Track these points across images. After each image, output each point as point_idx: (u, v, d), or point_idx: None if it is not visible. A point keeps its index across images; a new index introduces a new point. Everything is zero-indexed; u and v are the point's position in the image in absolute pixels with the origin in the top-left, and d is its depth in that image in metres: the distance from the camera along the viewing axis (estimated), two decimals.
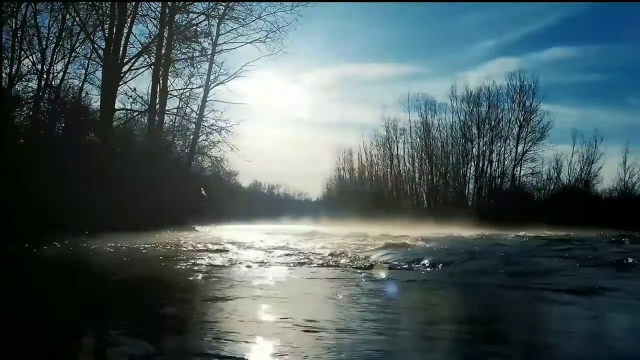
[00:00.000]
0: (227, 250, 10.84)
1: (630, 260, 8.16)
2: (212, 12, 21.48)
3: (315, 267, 7.76)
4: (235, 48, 22.43)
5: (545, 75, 65.62)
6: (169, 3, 20.67)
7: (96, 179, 14.50)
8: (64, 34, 18.11)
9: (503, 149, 44.41)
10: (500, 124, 44.53)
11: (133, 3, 19.57)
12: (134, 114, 21.48)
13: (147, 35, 21.00)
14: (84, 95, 19.39)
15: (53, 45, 17.74)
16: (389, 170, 50.53)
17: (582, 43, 65.34)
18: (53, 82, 17.79)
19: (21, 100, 16.74)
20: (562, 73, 65.27)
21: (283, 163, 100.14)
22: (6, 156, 13.04)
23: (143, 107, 20.98)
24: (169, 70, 21.39)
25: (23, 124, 16.49)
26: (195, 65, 22.15)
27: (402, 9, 67.91)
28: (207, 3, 21.60)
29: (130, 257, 9.35)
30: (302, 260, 8.54)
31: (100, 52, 19.07)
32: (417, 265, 7.84)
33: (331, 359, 3.02)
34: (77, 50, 18.78)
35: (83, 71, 19.33)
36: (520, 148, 43.66)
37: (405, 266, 7.89)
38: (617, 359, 3.21)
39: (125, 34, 19.13)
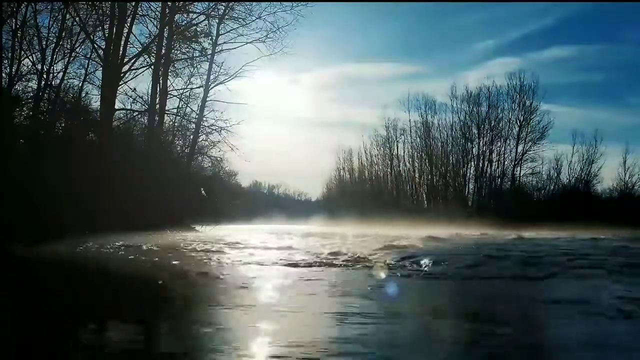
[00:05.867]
0: (226, 251, 10.83)
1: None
2: (212, 12, 21.47)
3: (315, 267, 7.75)
4: (235, 48, 22.41)
5: (545, 75, 65.83)
6: (169, 3, 20.66)
7: (96, 179, 14.50)
8: (64, 34, 18.12)
9: (503, 149, 44.49)
10: (500, 124, 44.62)
11: (133, 3, 19.56)
12: (134, 114, 21.50)
13: (147, 35, 21.01)
14: (84, 95, 19.43)
15: (53, 45, 17.78)
16: (389, 170, 50.58)
17: (582, 43, 65.58)
18: (53, 82, 17.82)
19: (21, 100, 16.73)
20: (562, 73, 65.54)
21: (283, 163, 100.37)
22: (6, 156, 13.03)
23: (143, 107, 20.99)
24: (169, 70, 21.37)
25: (23, 124, 16.48)
26: (195, 65, 22.16)
27: (402, 8, 67.96)
28: (207, 3, 21.61)
29: (129, 257, 9.34)
30: (301, 261, 8.53)
31: (100, 52, 19.06)
32: (416, 266, 7.84)
33: None
34: (77, 50, 18.81)
35: (83, 71, 19.37)
36: (520, 148, 43.75)
37: (404, 267, 7.88)
38: None
39: (125, 34, 19.12)
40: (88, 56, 19.18)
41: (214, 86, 22.33)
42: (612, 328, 3.94)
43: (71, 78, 18.94)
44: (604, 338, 3.64)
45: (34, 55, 17.41)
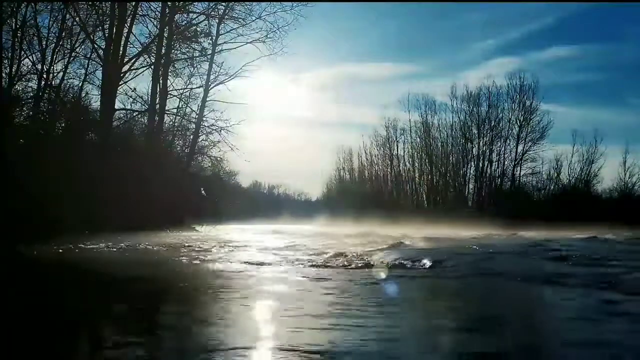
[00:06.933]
0: (225, 251, 10.84)
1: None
2: (212, 12, 21.47)
3: (315, 267, 7.76)
4: (235, 48, 22.40)
5: (545, 75, 65.72)
6: (169, 3, 20.67)
7: (96, 179, 14.51)
8: (64, 34, 18.12)
9: (503, 149, 44.46)
10: (500, 124, 44.57)
11: (133, 3, 19.56)
12: (134, 114, 21.50)
13: (147, 35, 21.01)
14: (84, 95, 19.42)
15: (53, 45, 17.78)
16: (389, 170, 50.56)
17: (582, 43, 65.54)
18: (53, 82, 17.82)
19: (21, 100, 16.73)
20: (562, 73, 65.39)
21: (283, 163, 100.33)
22: (6, 156, 13.04)
23: (143, 107, 21.00)
24: (169, 70, 21.37)
25: (23, 124, 16.48)
26: (195, 65, 22.15)
27: (402, 8, 67.92)
28: (207, 3, 21.61)
29: (129, 258, 9.35)
30: (301, 261, 8.54)
31: (100, 52, 19.06)
32: (416, 266, 7.84)
33: None
34: (77, 50, 18.80)
35: (83, 71, 19.35)
36: (520, 148, 43.70)
37: (404, 266, 7.88)
38: None
39: (125, 34, 19.13)
40: (88, 56, 19.19)
41: (214, 86, 22.34)
42: (608, 328, 3.95)
43: (71, 78, 18.96)
44: (600, 338, 3.65)
45: (34, 55, 17.42)
